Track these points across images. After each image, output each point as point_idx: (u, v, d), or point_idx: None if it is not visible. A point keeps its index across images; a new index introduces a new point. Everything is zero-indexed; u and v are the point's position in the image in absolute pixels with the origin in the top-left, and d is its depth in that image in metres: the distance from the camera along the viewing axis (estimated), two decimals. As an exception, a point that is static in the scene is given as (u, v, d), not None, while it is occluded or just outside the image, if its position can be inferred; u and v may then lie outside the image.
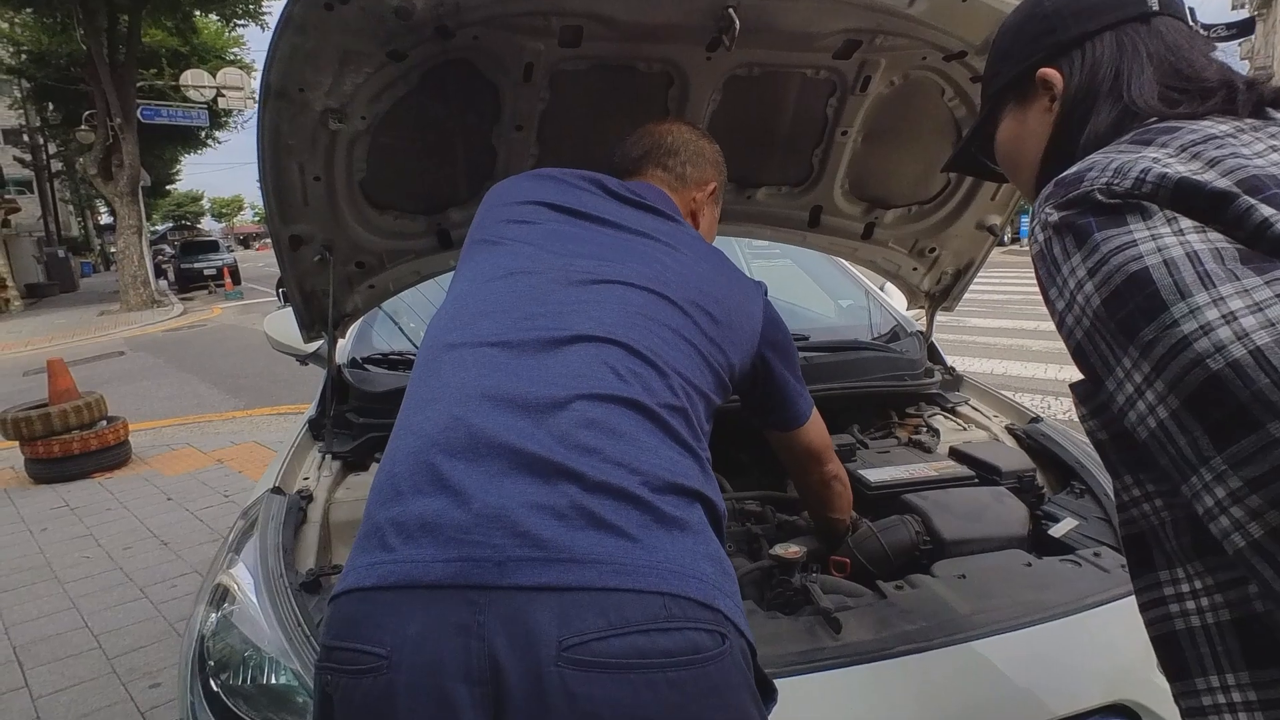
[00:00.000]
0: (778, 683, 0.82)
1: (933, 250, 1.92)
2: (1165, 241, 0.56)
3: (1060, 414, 4.56)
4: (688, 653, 0.70)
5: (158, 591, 3.14)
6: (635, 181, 1.17)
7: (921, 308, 2.13)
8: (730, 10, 1.25)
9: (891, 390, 1.89)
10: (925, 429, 1.82)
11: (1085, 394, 0.67)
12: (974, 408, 1.94)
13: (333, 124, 1.37)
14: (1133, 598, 1.21)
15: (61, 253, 23.30)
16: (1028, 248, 0.75)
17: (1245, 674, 0.60)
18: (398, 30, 1.22)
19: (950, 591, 1.19)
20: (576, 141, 1.56)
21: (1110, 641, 1.13)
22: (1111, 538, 1.37)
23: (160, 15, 15.20)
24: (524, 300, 0.92)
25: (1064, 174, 0.65)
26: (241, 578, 1.23)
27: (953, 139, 1.68)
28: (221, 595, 1.23)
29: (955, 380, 2.03)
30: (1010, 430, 1.81)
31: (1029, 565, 1.28)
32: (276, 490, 1.48)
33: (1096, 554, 1.31)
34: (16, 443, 4.74)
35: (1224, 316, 0.51)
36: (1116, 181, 0.60)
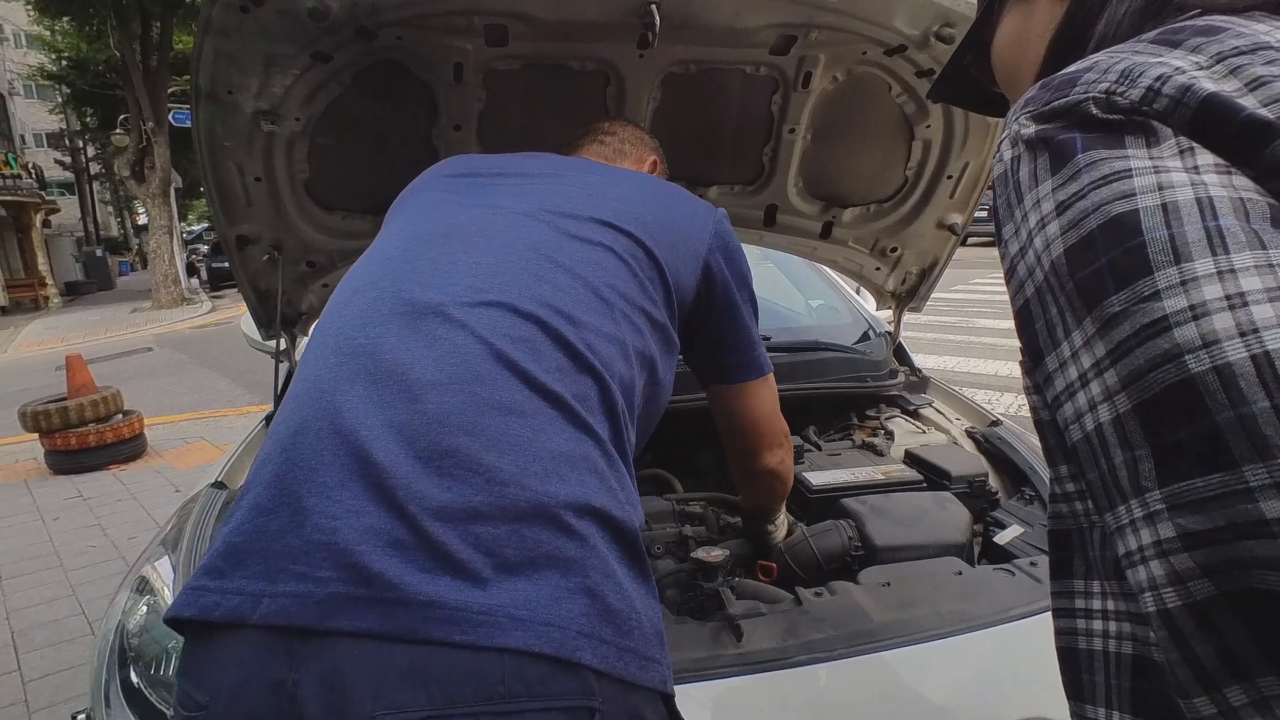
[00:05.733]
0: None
1: (894, 250, 1.88)
2: (1172, 178, 0.40)
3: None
4: None
5: (153, 582, 3.23)
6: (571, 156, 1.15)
7: (889, 308, 2.09)
8: (652, 7, 1.23)
9: (850, 391, 1.86)
10: (882, 431, 1.78)
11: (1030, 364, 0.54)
12: (937, 410, 1.89)
13: (266, 125, 1.38)
14: (1061, 610, 1.19)
15: (99, 252, 24.00)
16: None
17: (1129, 718, 0.51)
18: (317, 32, 1.23)
19: (870, 600, 1.16)
20: (517, 140, 1.54)
21: (1031, 655, 1.09)
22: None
23: (191, 22, 15.53)
24: (394, 268, 0.84)
25: (1054, 75, 0.49)
26: (164, 571, 1.25)
27: (905, 135, 1.64)
28: (143, 588, 1.25)
29: (921, 382, 1.99)
30: (970, 434, 1.76)
31: (959, 574, 1.24)
32: (218, 484, 1.50)
33: (1033, 563, 1.27)
34: (37, 435, 4.90)
35: (1228, 298, 0.36)
36: (1121, 90, 0.44)
